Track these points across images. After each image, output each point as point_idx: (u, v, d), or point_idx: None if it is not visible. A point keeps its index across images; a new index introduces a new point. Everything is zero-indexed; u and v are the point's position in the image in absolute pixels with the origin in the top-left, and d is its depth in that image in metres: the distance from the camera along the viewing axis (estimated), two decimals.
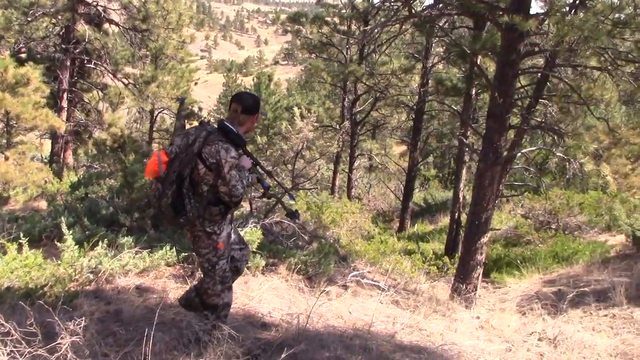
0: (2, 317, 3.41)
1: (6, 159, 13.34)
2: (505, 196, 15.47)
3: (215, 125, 3.93)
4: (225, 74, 50.53)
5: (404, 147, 36.09)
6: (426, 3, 11.95)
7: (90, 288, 5.26)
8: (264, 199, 8.50)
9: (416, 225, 20.47)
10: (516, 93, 10.27)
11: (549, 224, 15.26)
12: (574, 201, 15.08)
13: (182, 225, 3.90)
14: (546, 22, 8.34)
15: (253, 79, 40.51)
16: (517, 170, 16.85)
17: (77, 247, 5.60)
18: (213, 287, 4.00)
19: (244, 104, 3.94)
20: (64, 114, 16.86)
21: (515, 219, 16.69)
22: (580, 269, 11.69)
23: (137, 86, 18.70)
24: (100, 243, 5.89)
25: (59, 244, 5.63)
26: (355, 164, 24.07)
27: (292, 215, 4.14)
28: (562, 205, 15.07)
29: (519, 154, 11.45)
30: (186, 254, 6.10)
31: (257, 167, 4.10)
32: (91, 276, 5.39)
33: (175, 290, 5.51)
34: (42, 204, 11.53)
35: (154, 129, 25.86)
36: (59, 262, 5.42)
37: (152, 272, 5.84)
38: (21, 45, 19.76)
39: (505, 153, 9.32)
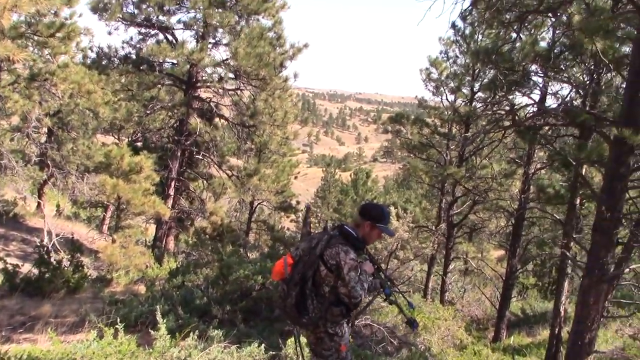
0: None
1: (113, 241, 14.03)
2: (611, 316, 14.46)
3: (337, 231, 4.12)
4: (324, 169, 51.57)
5: (501, 252, 34.92)
6: (529, 110, 11.87)
7: None
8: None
9: (512, 336, 19.40)
10: (625, 204, 9.81)
11: None
12: None
13: (305, 325, 4.01)
14: None
15: (351, 175, 41.31)
16: (624, 287, 15.79)
17: (169, 336, 5.72)
18: None
19: (362, 207, 4.21)
20: (170, 201, 17.66)
21: (623, 339, 15.46)
22: None
23: (240, 178, 19.41)
24: (191, 334, 5.99)
25: (152, 332, 5.77)
26: (450, 267, 23.45)
27: (412, 323, 4.17)
28: None
29: (627, 270, 10.77)
30: (274, 352, 6.06)
31: (380, 272, 4.23)
32: None
33: None
34: (142, 288, 11.92)
35: (252, 219, 26.59)
36: (151, 350, 5.53)
37: None
38: (138, 135, 21.25)
39: (612, 269, 8.79)
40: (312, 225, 45.98)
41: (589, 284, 8.47)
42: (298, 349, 4.82)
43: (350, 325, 4.13)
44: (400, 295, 4.65)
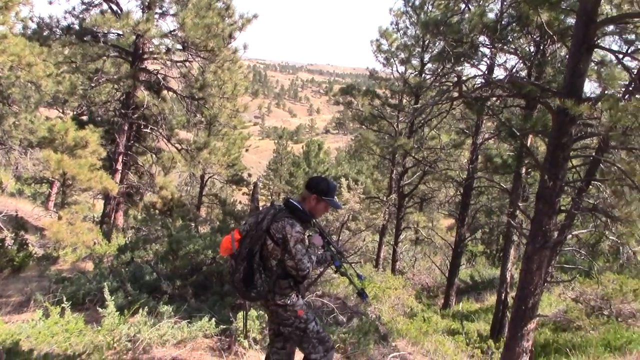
0: None
1: (59, 218, 13.70)
2: (555, 281, 14.95)
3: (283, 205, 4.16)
4: (276, 141, 51.37)
5: (451, 221, 35.64)
6: (478, 81, 12.02)
7: (127, 357, 5.26)
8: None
9: (461, 303, 19.93)
10: (568, 172, 10.07)
11: (601, 309, 14.60)
12: (628, 287, 14.42)
13: (254, 299, 4.06)
14: (599, 105, 8.20)
15: (303, 147, 41.23)
16: (568, 252, 16.35)
17: (117, 313, 5.65)
18: (315, 350, 4.05)
19: (309, 181, 4.24)
20: (118, 176, 17.30)
21: (565, 302, 16.02)
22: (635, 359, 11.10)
23: (190, 152, 19.13)
24: (141, 310, 5.93)
25: (100, 310, 5.68)
26: (401, 237, 23.82)
27: (361, 294, 4.28)
28: (615, 290, 14.42)
29: (570, 236, 11.13)
30: (225, 326, 6.06)
31: (330, 245, 4.28)
32: (129, 345, 5.39)
33: None
34: (90, 265, 11.71)
35: (204, 193, 26.36)
36: (99, 328, 5.46)
37: (189, 344, 5.81)
38: (84, 109, 20.65)
39: (555, 236, 9.07)
40: (263, 198, 45.91)
41: (533, 250, 8.72)
42: (245, 322, 4.84)
43: (301, 297, 4.15)
44: (350, 267, 4.71)
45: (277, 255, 3.96)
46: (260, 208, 4.46)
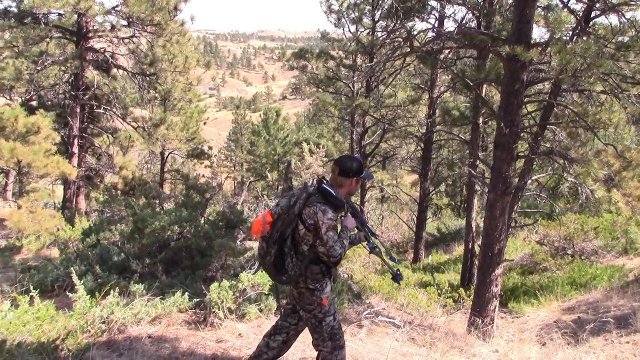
0: None
1: (19, 207, 13.42)
2: (518, 225, 15.27)
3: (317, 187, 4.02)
4: (234, 111, 50.89)
5: (415, 176, 35.95)
6: (429, 35, 12.01)
7: (103, 339, 5.24)
8: None
9: (430, 255, 20.29)
10: (524, 119, 10.24)
11: (565, 249, 15.05)
12: (589, 225, 14.88)
13: (284, 283, 4.01)
14: (549, 50, 8.30)
15: (261, 115, 40.97)
16: (529, 197, 16.71)
17: (88, 296, 5.60)
18: (323, 344, 4.04)
19: (341, 167, 4.02)
20: (75, 160, 16.97)
21: (531, 245, 16.47)
22: (599, 294, 11.49)
23: (146, 129, 18.83)
24: (112, 291, 5.88)
25: (70, 295, 5.62)
26: (367, 196, 24.01)
27: (396, 277, 4.23)
28: (576, 230, 14.86)
29: (530, 180, 11.37)
30: (198, 299, 6.07)
31: (364, 226, 4.19)
32: (103, 326, 5.37)
33: (187, 338, 5.47)
34: (55, 252, 11.54)
35: (165, 169, 26.07)
36: (71, 313, 5.41)
37: (164, 320, 5.81)
38: (32, 93, 20.04)
39: (515, 182, 9.25)
40: (226, 170, 45.61)
41: (494, 197, 8.89)
42: (277, 295, 4.80)
43: (333, 281, 4.13)
44: (384, 248, 4.67)
45: (308, 241, 3.89)
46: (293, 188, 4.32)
